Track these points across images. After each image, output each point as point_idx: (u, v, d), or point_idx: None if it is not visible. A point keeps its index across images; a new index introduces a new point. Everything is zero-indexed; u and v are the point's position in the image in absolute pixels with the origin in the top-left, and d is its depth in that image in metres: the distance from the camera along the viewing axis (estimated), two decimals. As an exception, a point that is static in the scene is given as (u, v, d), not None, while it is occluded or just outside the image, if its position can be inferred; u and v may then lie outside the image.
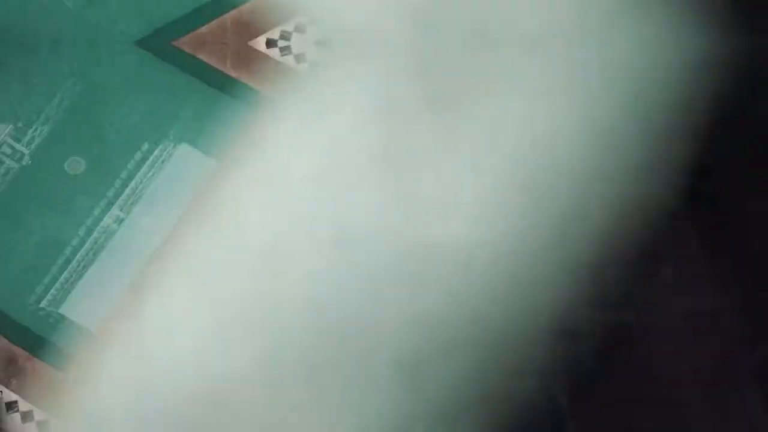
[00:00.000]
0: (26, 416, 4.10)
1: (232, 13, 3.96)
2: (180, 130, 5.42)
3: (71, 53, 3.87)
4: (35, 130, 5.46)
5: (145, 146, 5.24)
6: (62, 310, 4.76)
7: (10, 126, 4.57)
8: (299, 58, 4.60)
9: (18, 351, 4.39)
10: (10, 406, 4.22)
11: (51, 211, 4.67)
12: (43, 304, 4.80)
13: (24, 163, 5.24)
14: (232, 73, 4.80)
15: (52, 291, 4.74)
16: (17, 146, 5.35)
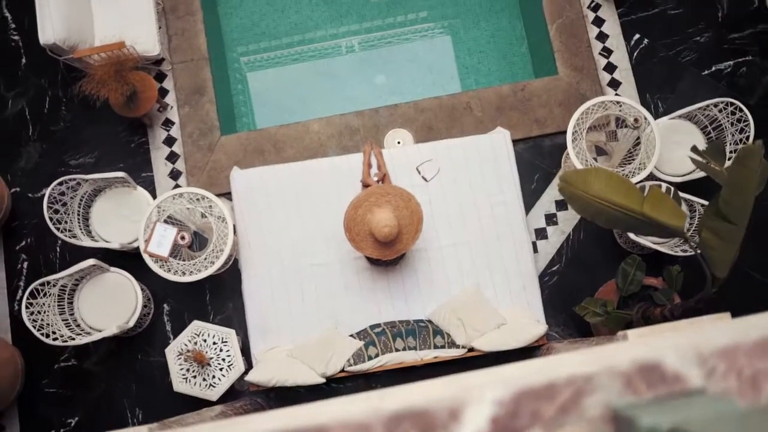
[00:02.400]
0: (170, 140, 4.36)
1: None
2: (460, 27, 5.51)
3: None
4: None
5: (424, 14, 5.29)
6: (249, 76, 5.06)
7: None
8: (614, 83, 4.71)
9: (209, 89, 4.60)
10: (167, 123, 4.48)
11: (323, 6, 4.86)
12: (243, 59, 5.09)
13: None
14: (555, 43, 4.76)
15: (257, 56, 5.01)
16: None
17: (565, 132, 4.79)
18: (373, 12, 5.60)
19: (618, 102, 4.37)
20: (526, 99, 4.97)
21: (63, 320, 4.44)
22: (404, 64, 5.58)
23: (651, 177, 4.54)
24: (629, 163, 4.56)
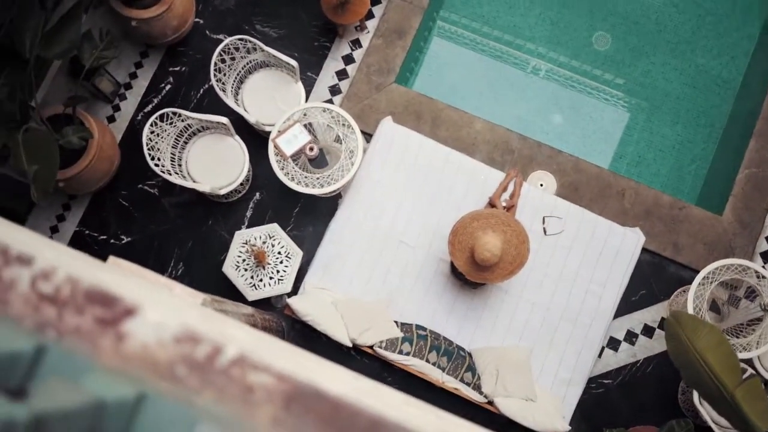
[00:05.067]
0: (348, 59, 4.62)
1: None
2: (654, 116, 5.64)
3: None
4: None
5: (621, 81, 5.53)
6: (434, 41, 5.42)
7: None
8: (767, 256, 4.74)
9: (408, 36, 4.91)
10: (356, 43, 4.64)
11: (550, 26, 5.14)
12: (439, 23, 5.46)
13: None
14: (736, 187, 4.84)
15: (453, 27, 5.49)
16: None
17: (693, 269, 4.61)
18: (588, 57, 5.48)
19: (763, 276, 4.17)
20: (678, 219, 4.79)
21: (171, 154, 4.57)
22: (585, 118, 5.44)
23: (747, 361, 4.34)
24: (736, 336, 4.36)
